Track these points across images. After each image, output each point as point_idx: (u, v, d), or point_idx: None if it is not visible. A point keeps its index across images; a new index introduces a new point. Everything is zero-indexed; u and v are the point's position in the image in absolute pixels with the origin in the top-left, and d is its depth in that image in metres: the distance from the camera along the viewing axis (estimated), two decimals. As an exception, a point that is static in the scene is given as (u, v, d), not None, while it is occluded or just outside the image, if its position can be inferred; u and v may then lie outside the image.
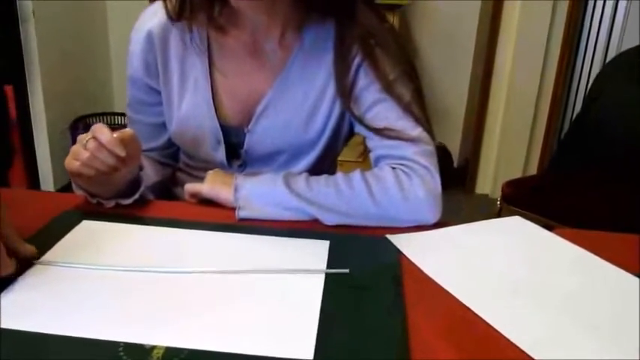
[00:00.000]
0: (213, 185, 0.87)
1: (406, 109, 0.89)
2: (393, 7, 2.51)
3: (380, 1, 2.42)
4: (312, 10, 0.91)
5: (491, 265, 0.74)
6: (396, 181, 0.84)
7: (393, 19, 2.53)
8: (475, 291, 0.68)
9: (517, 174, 2.89)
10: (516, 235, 0.83)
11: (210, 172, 0.91)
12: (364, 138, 0.95)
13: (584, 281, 0.71)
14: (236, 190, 0.84)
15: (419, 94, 0.92)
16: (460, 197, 2.99)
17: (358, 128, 0.94)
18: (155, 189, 1.01)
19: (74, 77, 2.91)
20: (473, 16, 2.93)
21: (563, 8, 2.69)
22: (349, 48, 0.91)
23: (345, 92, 0.91)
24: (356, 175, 0.85)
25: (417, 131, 0.89)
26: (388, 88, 0.89)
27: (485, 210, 2.70)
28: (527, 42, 2.75)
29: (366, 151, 0.95)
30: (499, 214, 2.08)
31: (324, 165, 1.01)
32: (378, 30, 0.91)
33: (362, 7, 0.90)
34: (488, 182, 3.05)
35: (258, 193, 0.84)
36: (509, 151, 2.96)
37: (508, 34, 2.79)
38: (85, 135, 0.80)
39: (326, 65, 0.92)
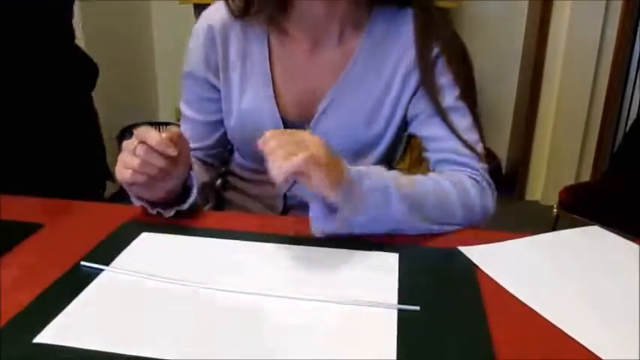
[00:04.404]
0: (333, 182, 0.69)
1: (475, 121, 0.90)
2: (439, 11, 2.46)
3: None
4: (372, 4, 0.91)
5: (575, 279, 0.69)
6: (480, 195, 0.84)
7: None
8: (559, 305, 0.63)
9: (569, 180, 2.79)
10: (598, 246, 0.78)
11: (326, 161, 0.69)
12: (421, 139, 0.93)
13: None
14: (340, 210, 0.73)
15: (476, 108, 0.92)
16: (510, 204, 2.90)
17: (418, 128, 0.91)
18: (201, 190, 0.97)
19: (121, 88, 2.95)
20: (520, 17, 2.85)
21: (617, 8, 2.59)
22: (429, 37, 0.89)
23: (427, 66, 0.89)
24: (450, 192, 0.81)
25: (480, 146, 0.90)
26: (462, 95, 0.89)
27: (537, 216, 2.61)
28: (578, 42, 2.65)
29: (417, 160, 0.94)
30: (556, 221, 2.00)
31: None
32: (452, 39, 0.91)
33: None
34: (539, 188, 2.95)
35: (368, 220, 0.75)
36: (560, 156, 2.85)
37: (558, 35, 2.70)
38: (130, 141, 0.77)
39: (389, 63, 0.91)
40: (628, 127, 2.58)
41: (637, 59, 2.69)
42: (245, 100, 0.94)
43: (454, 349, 0.55)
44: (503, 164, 3.08)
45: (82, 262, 0.69)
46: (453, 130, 0.87)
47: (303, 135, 0.70)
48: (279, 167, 0.65)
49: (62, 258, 0.71)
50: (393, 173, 0.78)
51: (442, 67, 0.89)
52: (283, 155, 0.65)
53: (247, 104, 0.94)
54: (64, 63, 1.25)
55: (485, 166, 0.88)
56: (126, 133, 2.89)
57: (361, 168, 0.74)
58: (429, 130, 0.90)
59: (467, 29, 2.88)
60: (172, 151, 0.75)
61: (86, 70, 1.35)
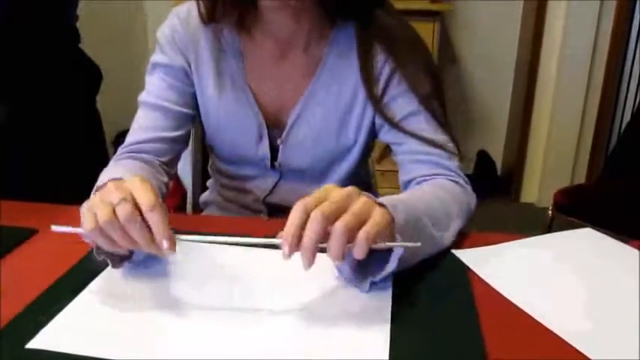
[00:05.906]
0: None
1: (441, 122, 0.89)
2: (433, 14, 2.47)
3: (422, 8, 2.40)
4: (335, 16, 0.90)
5: (568, 281, 0.69)
6: (467, 200, 0.85)
7: (434, 26, 2.48)
8: (550, 307, 0.63)
9: (564, 182, 2.80)
10: (590, 248, 0.78)
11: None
12: (390, 146, 0.93)
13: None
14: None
15: (444, 109, 0.91)
16: (505, 206, 2.91)
17: (388, 135, 0.92)
18: None
19: (115, 91, 2.95)
20: (515, 19, 2.87)
21: (610, 9, 2.60)
22: (373, 52, 0.89)
23: (375, 96, 0.89)
24: (451, 208, 0.79)
25: (450, 145, 0.89)
26: (424, 101, 0.88)
27: (533, 218, 2.61)
28: (572, 44, 2.66)
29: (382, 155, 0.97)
30: (551, 223, 2.01)
31: (360, 171, 1.02)
32: (406, 40, 0.90)
33: (381, 13, 0.90)
34: (534, 191, 2.96)
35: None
36: (555, 158, 2.86)
37: (552, 37, 2.71)
38: (115, 187, 0.61)
39: (354, 73, 0.91)
40: (622, 129, 2.59)
41: (631, 62, 2.70)
42: (223, 100, 0.93)
43: (446, 351, 0.56)
44: (499, 166, 3.09)
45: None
46: (416, 134, 0.88)
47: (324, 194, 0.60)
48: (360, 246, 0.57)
49: (56, 263, 0.71)
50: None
51: (400, 75, 0.88)
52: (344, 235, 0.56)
53: (226, 105, 0.93)
54: (66, 65, 1.25)
55: (457, 163, 0.88)
56: (121, 137, 2.88)
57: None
58: (396, 137, 0.90)
59: (461, 31, 2.90)
60: (168, 249, 0.59)
61: (90, 74, 1.35)
